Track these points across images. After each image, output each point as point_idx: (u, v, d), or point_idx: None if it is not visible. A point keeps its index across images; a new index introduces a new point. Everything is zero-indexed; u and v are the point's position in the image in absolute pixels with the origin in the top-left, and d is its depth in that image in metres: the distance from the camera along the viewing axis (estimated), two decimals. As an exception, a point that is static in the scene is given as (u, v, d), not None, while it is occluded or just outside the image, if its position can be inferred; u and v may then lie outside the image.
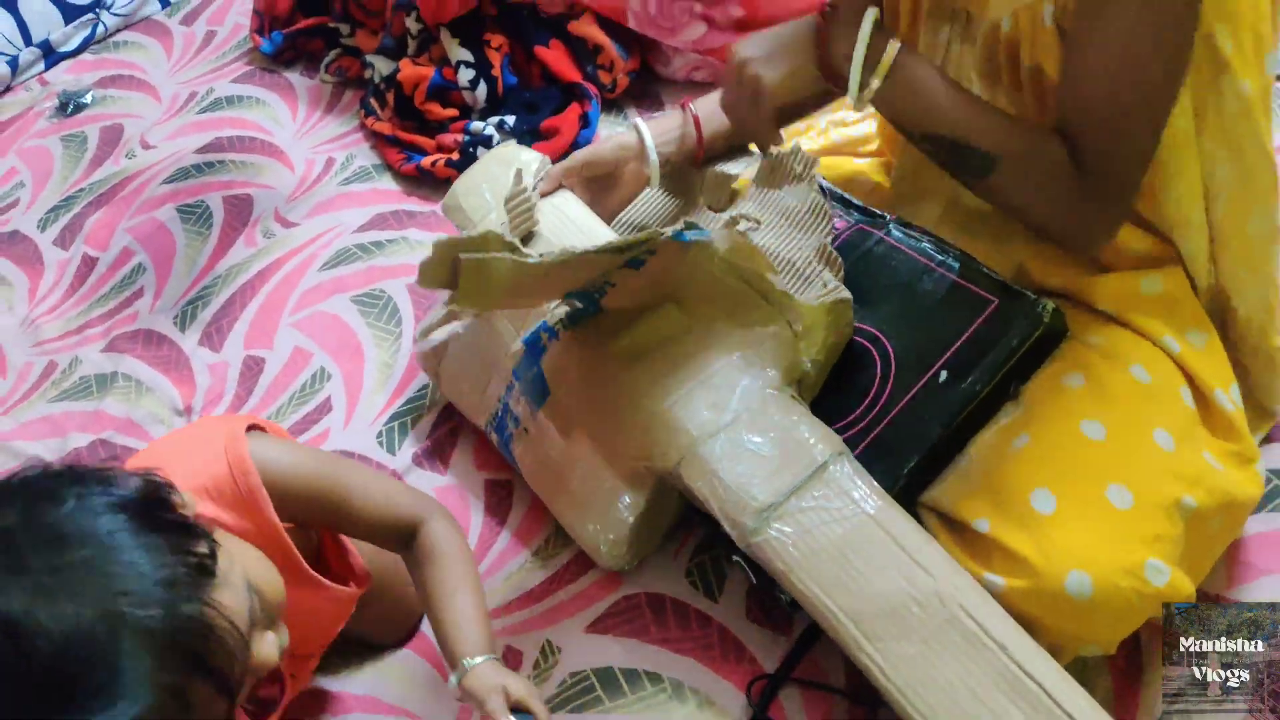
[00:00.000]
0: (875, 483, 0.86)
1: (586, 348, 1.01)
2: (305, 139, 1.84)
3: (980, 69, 0.91)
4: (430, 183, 1.64)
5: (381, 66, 1.79)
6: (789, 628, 0.99)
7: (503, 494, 1.18)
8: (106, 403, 1.42)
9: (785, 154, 1.04)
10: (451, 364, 1.18)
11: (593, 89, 1.67)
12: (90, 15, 2.28)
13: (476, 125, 1.63)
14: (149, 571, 0.62)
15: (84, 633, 0.58)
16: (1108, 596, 0.76)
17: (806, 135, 1.24)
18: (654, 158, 1.06)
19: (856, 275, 0.99)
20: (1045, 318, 0.88)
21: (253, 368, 1.42)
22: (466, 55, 1.67)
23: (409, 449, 1.24)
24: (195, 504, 0.72)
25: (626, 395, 0.97)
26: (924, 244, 0.98)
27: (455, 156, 1.60)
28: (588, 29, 1.67)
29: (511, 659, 1.02)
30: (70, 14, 2.27)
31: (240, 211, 1.67)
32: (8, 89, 2.22)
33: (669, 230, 0.89)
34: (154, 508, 0.66)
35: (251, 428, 0.84)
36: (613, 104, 1.72)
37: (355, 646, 1.06)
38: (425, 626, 1.07)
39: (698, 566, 1.05)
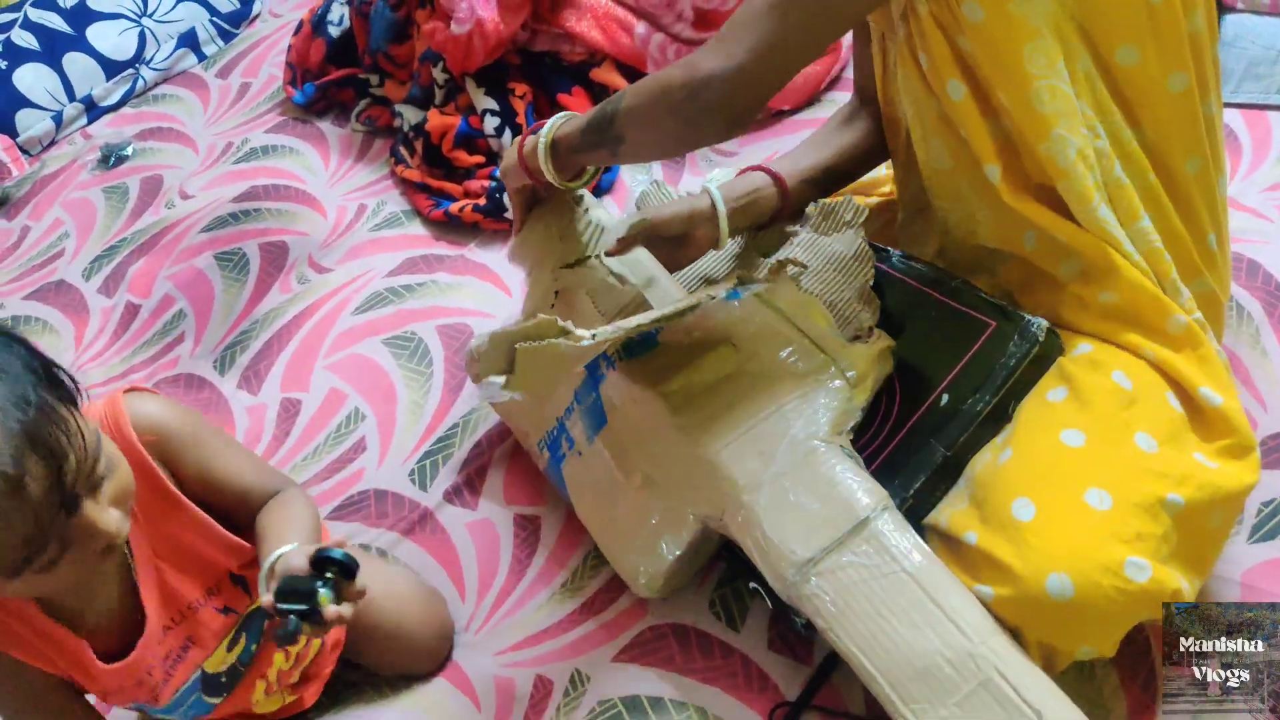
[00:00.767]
0: (918, 538, 0.86)
1: (641, 384, 1.03)
2: (337, 187, 1.90)
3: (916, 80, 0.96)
4: (458, 228, 1.69)
5: (410, 116, 1.85)
6: (810, 657, 1.01)
7: (531, 528, 1.21)
8: (150, 445, 1.47)
9: (838, 203, 1.09)
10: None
11: (614, 134, 1.72)
12: (130, 70, 2.37)
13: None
14: (22, 370, 0.72)
15: None
16: (1089, 596, 0.78)
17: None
18: (725, 225, 1.07)
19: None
20: (1040, 336, 0.91)
21: (289, 409, 1.47)
22: (492, 104, 1.73)
23: (440, 486, 1.28)
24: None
25: (676, 438, 0.99)
26: (925, 273, 1.02)
27: (482, 202, 1.66)
28: (608, 75, 1.73)
29: (542, 688, 1.06)
30: (111, 70, 2.36)
31: (276, 258, 1.73)
32: (53, 143, 2.31)
33: (722, 292, 0.91)
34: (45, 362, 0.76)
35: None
36: (633, 147, 1.77)
37: (389, 676, 1.11)
38: (457, 655, 1.11)
39: (720, 598, 1.08)
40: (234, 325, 1.64)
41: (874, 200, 1.22)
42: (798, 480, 0.91)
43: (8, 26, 2.30)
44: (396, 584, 1.11)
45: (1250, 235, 1.24)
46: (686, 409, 1.00)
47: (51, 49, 2.29)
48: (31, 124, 2.27)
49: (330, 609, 0.77)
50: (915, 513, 0.90)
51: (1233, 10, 1.55)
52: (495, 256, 1.62)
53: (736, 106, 0.88)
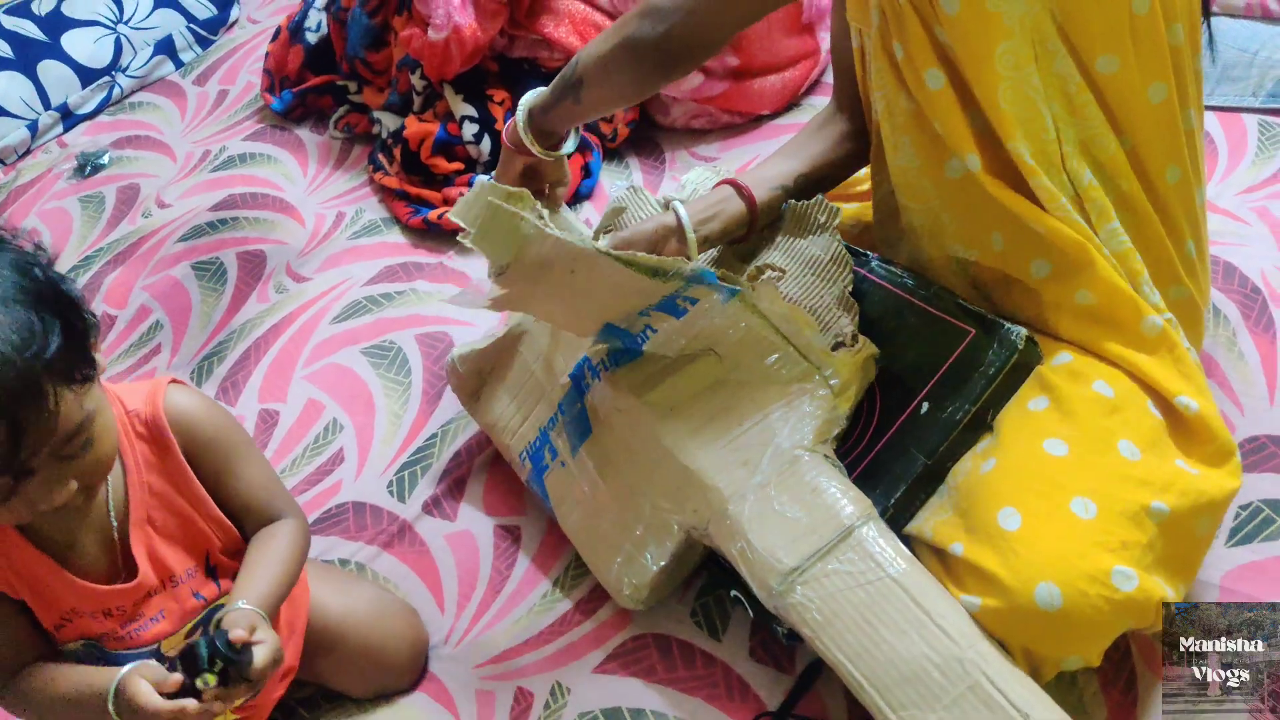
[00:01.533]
0: (902, 546, 0.86)
1: (627, 393, 1.03)
2: (316, 194, 1.89)
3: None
4: (437, 235, 1.69)
5: (388, 122, 1.84)
6: (791, 665, 1.01)
7: (512, 538, 1.21)
8: (126, 457, 1.45)
9: (810, 204, 1.08)
10: (495, 387, 1.21)
11: (594, 139, 1.72)
12: (106, 78, 2.35)
13: (481, 178, 1.67)
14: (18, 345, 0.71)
15: None
16: (1077, 605, 0.78)
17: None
18: (692, 236, 1.06)
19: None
20: (1019, 344, 0.91)
21: (268, 420, 1.46)
22: (470, 110, 1.72)
23: (420, 497, 1.27)
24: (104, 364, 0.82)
25: (661, 448, 0.99)
26: (905, 279, 1.02)
27: (461, 209, 1.65)
28: (587, 81, 1.72)
29: (522, 700, 1.05)
30: (87, 77, 2.33)
31: (253, 267, 1.72)
32: (28, 152, 2.29)
33: (702, 260, 0.90)
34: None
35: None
36: (614, 153, 1.77)
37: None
38: (437, 668, 1.10)
39: (702, 607, 1.08)
40: (211, 335, 1.63)
41: (853, 206, 1.21)
42: (783, 489, 0.91)
43: (-19, 34, 2.27)
44: (358, 605, 1.09)
45: (1226, 238, 1.24)
46: (671, 418, 0.99)
47: (26, 56, 2.27)
48: (6, 133, 2.25)
49: (207, 693, 0.77)
50: (896, 522, 0.90)
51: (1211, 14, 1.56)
52: (474, 264, 1.61)
53: (690, 42, 0.93)
